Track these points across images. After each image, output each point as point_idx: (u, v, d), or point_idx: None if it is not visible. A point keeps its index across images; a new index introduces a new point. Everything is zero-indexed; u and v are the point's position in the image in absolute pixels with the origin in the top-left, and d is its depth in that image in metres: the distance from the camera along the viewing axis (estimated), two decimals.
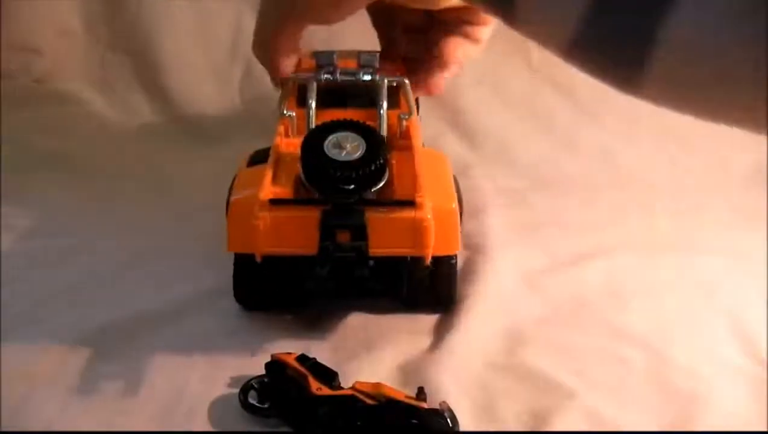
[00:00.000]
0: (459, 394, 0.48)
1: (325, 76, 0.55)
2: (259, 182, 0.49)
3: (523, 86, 0.90)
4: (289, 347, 0.50)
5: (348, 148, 0.48)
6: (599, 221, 0.73)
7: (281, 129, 0.55)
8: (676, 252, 0.67)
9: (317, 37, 0.92)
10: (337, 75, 0.55)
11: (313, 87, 0.54)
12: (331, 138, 0.48)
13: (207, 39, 0.95)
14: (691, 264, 0.65)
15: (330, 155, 0.47)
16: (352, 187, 0.47)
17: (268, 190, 0.49)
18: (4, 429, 0.45)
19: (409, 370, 0.52)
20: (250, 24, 0.95)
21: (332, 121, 0.49)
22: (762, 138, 0.94)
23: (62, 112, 0.91)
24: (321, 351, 0.51)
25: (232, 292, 0.56)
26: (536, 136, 0.83)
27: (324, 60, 0.56)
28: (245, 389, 0.47)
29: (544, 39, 0.28)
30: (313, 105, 0.53)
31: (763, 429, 0.48)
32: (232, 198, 0.52)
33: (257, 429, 0.46)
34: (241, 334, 0.54)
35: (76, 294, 0.59)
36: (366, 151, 0.48)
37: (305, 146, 0.48)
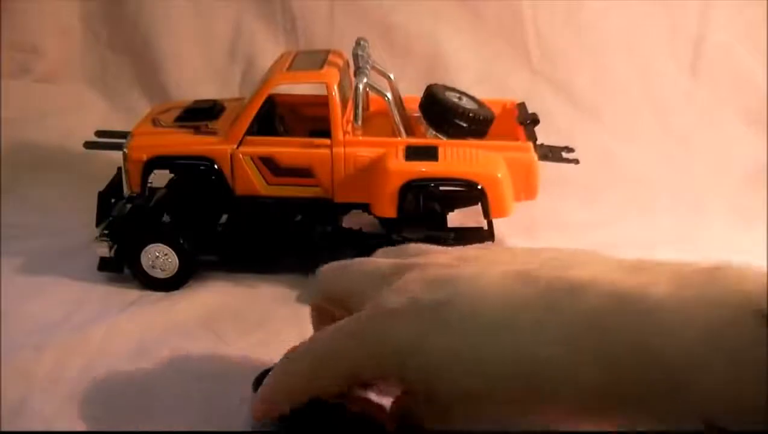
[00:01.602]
0: None
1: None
2: None
3: (523, 86, 0.91)
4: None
5: None
6: (599, 221, 0.72)
7: None
8: (676, 252, 0.67)
9: (319, 39, 0.92)
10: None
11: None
12: None
13: (207, 39, 0.95)
14: None
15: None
16: None
17: None
18: (4, 429, 0.45)
19: None
20: (249, 24, 0.96)
21: None
22: (762, 138, 0.94)
23: (62, 112, 0.91)
24: None
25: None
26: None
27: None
28: (259, 380, 0.46)
29: None
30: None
31: None
32: None
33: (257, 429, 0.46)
34: (251, 333, 0.54)
35: (77, 293, 0.59)
36: None
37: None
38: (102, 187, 0.64)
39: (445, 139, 0.62)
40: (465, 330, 0.32)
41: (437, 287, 0.34)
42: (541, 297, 0.32)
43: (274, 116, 0.67)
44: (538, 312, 0.31)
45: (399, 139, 0.61)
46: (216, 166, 0.60)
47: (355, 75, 0.62)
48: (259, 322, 0.56)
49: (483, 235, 0.62)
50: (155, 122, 0.65)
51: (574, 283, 0.31)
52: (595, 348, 0.30)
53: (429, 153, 0.59)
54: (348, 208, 0.63)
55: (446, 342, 0.32)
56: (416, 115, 0.65)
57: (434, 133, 0.63)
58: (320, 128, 0.62)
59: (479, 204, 0.59)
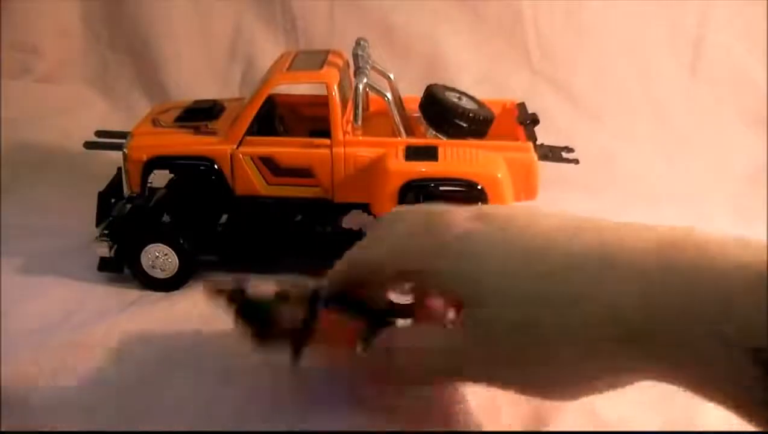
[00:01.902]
0: (461, 394, 0.48)
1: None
2: None
3: (523, 86, 0.91)
4: None
5: None
6: None
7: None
8: None
9: (319, 39, 0.93)
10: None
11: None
12: None
13: (207, 39, 0.95)
14: None
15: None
16: None
17: None
18: (4, 429, 0.45)
19: None
20: (249, 24, 0.96)
21: None
22: (762, 138, 0.94)
23: (62, 112, 0.91)
24: None
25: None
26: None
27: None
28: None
29: None
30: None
31: None
32: None
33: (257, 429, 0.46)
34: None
35: (77, 293, 0.59)
36: None
37: None
38: (102, 187, 0.64)
39: (445, 139, 0.62)
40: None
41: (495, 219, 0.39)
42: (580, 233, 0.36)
43: (274, 116, 0.67)
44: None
45: (399, 139, 0.61)
46: (216, 166, 0.60)
47: (355, 75, 0.62)
48: None
49: None
50: (155, 122, 0.65)
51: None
52: (641, 288, 0.32)
53: (429, 153, 0.59)
54: (348, 208, 0.63)
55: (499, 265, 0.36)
56: (416, 115, 0.65)
57: (434, 133, 0.63)
58: (320, 128, 0.62)
59: (479, 204, 0.59)
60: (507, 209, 0.41)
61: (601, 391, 0.37)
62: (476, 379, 0.41)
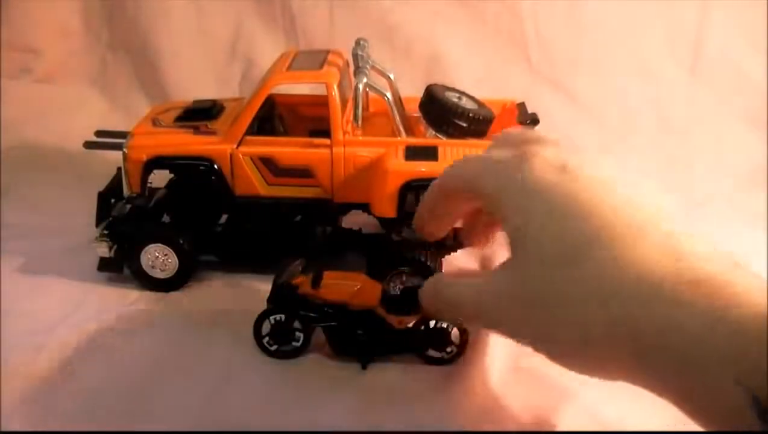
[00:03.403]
0: (461, 394, 0.48)
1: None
2: None
3: (523, 86, 0.91)
4: None
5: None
6: None
7: None
8: None
9: (319, 39, 0.93)
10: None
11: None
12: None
13: (207, 39, 0.95)
14: None
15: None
16: None
17: None
18: (4, 429, 0.45)
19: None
20: (249, 24, 0.96)
21: None
22: (762, 138, 0.94)
23: (62, 112, 0.91)
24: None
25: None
26: None
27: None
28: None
29: None
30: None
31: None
32: None
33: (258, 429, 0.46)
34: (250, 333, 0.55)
35: (77, 293, 0.59)
36: None
37: None
38: (102, 187, 0.64)
39: (445, 139, 0.62)
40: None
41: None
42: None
43: (274, 116, 0.67)
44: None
45: (399, 139, 0.61)
46: (216, 166, 0.60)
47: (355, 75, 0.62)
48: None
49: None
50: (155, 122, 0.65)
51: None
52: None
53: (429, 153, 0.59)
54: (348, 207, 0.63)
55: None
56: (416, 115, 0.65)
57: (434, 133, 0.63)
58: (320, 128, 0.62)
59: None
60: (594, 170, 0.41)
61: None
62: (502, 326, 0.42)
